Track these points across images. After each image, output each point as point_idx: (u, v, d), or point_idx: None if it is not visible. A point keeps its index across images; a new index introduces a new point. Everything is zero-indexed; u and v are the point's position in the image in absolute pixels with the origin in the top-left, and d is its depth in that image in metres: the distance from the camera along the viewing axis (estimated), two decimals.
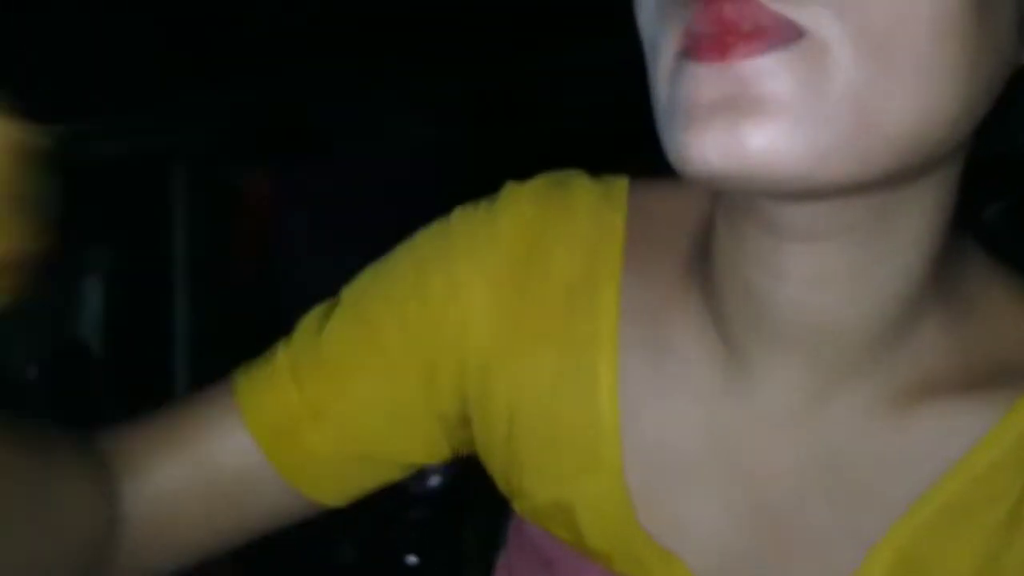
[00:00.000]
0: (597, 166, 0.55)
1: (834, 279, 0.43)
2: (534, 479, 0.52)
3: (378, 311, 0.53)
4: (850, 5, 0.35)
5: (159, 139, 1.53)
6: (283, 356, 0.54)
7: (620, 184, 0.53)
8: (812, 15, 0.35)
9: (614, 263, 0.51)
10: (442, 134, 1.72)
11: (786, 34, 0.35)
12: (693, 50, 0.36)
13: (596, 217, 0.52)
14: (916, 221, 0.42)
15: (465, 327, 0.52)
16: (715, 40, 0.35)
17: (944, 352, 0.46)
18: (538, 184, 0.53)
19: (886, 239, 0.42)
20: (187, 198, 1.58)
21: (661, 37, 0.38)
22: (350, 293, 0.55)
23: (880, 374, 0.45)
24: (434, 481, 1.47)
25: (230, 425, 0.53)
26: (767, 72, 0.35)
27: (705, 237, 0.49)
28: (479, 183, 0.56)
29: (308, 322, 0.55)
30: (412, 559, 1.51)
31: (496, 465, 0.55)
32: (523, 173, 0.54)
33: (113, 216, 1.47)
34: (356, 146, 1.71)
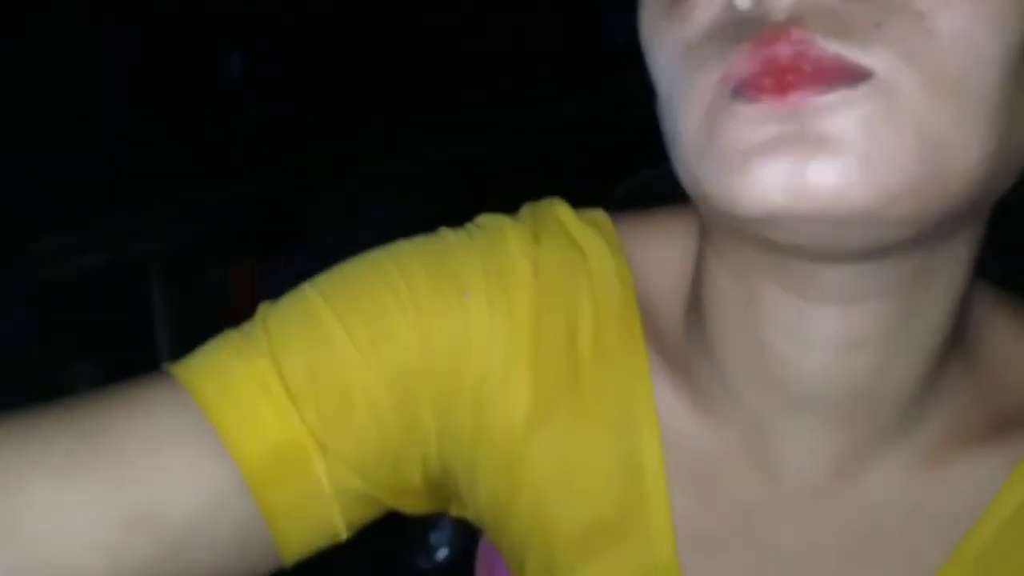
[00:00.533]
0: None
1: (866, 342, 0.40)
2: (561, 563, 0.47)
3: (390, 314, 0.45)
4: (920, 48, 0.33)
5: (137, 246, 1.54)
6: (267, 368, 0.43)
7: (605, 221, 0.49)
8: (878, 57, 0.32)
9: (636, 322, 0.47)
10: (418, 211, 1.73)
11: (851, 75, 0.32)
12: (746, 88, 0.33)
13: (604, 263, 0.48)
14: (950, 274, 0.40)
15: (485, 369, 0.46)
16: (773, 78, 0.33)
17: (966, 399, 0.44)
18: (533, 220, 0.49)
19: (921, 295, 0.39)
20: (169, 300, 1.58)
21: (690, 81, 0.36)
22: (340, 297, 0.46)
23: (912, 433, 0.43)
24: (442, 555, 1.46)
25: (193, 450, 0.41)
26: (830, 109, 0.32)
27: (693, 291, 0.46)
28: None
29: (286, 326, 0.45)
30: None
31: (511, 538, 0.49)
32: None
33: (97, 327, 1.47)
34: (336, 231, 1.72)
